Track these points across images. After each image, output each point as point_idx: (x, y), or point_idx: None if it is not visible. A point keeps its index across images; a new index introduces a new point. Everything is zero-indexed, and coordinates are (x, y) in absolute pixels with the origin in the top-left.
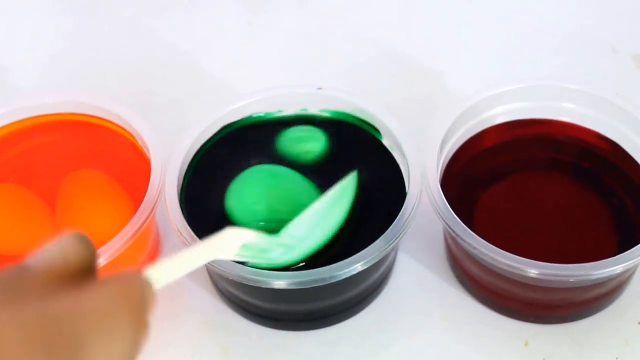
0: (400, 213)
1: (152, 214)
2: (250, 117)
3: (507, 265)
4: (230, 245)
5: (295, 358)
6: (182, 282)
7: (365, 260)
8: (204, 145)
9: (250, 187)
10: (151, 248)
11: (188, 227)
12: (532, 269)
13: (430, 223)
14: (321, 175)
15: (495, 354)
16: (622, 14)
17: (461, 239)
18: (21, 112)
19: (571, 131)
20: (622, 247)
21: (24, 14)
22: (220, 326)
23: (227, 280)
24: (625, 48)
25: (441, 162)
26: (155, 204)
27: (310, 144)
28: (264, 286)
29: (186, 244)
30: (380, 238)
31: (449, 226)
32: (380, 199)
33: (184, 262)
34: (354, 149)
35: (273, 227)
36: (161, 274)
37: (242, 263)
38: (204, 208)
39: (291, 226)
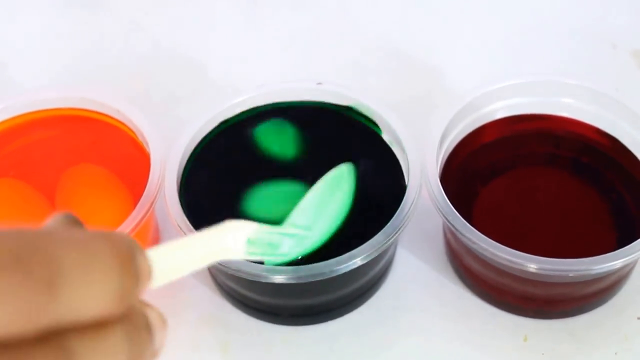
0: (399, 208)
1: (151, 209)
2: (249, 112)
3: (507, 260)
4: (234, 240)
5: (295, 353)
6: (179, 278)
7: (364, 255)
8: (203, 140)
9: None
10: (150, 243)
11: (187, 222)
12: (532, 264)
13: (429, 218)
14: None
15: (494, 349)
16: (621, 11)
17: (460, 233)
18: (21, 107)
19: (571, 126)
20: (622, 242)
21: (24, 10)
22: (220, 321)
23: (226, 274)
24: (624, 44)
25: (441, 157)
26: (154, 199)
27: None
28: (263, 280)
29: None
30: (380, 233)
31: (448, 221)
32: (379, 193)
33: (181, 258)
34: (354, 143)
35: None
36: (158, 255)
37: (260, 262)
38: (204, 203)
39: (293, 215)
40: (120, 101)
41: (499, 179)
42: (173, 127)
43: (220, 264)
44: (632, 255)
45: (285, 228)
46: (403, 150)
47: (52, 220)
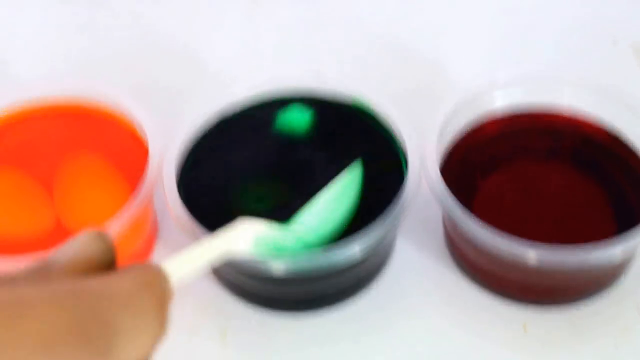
0: (399, 197)
1: (149, 200)
2: (248, 104)
3: (506, 250)
4: (243, 238)
5: (294, 341)
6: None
7: (364, 245)
8: (202, 132)
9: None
10: (148, 234)
11: (186, 214)
12: (532, 253)
13: (429, 209)
14: (321, 161)
15: (493, 339)
16: (622, 6)
17: (460, 223)
18: (20, 99)
19: (571, 120)
20: (621, 233)
21: (24, 2)
22: (219, 310)
23: (225, 263)
24: (625, 39)
25: (440, 148)
26: (152, 189)
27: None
28: (262, 270)
29: (184, 230)
30: (379, 222)
31: (448, 211)
32: (379, 184)
33: (198, 258)
34: (354, 134)
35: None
36: (175, 268)
37: None
38: (202, 195)
39: (303, 215)
40: (119, 93)
41: (499, 171)
42: (172, 119)
43: None
44: (632, 244)
45: (292, 229)
46: (403, 141)
47: (81, 237)
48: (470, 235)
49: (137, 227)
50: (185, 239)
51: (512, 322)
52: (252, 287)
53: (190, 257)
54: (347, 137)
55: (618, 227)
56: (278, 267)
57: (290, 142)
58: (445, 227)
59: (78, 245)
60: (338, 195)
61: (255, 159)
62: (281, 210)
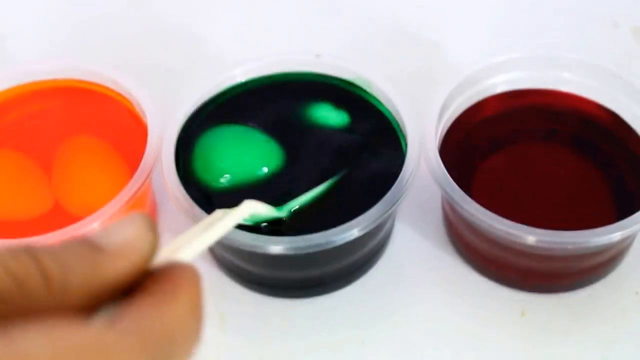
0: (398, 179)
1: (148, 180)
2: (247, 84)
3: (505, 232)
4: (243, 214)
5: (292, 325)
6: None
7: (362, 226)
8: (201, 111)
9: (214, 147)
10: (147, 214)
11: (185, 193)
12: (530, 236)
13: (428, 192)
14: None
15: (491, 323)
16: None
17: (459, 205)
18: (19, 78)
19: (571, 101)
20: (621, 216)
21: None
22: (217, 293)
23: (223, 246)
24: (625, 22)
25: (440, 130)
26: (151, 170)
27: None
28: (260, 252)
29: (182, 211)
30: (378, 204)
31: (447, 193)
32: (378, 166)
33: (209, 240)
34: (353, 116)
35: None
36: (194, 254)
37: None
38: (201, 174)
39: (295, 202)
40: (118, 72)
41: (498, 153)
42: (171, 99)
43: None
44: (631, 228)
45: (281, 212)
46: (402, 122)
47: (133, 222)
48: (468, 218)
49: (136, 207)
50: (184, 220)
51: (511, 307)
52: (251, 271)
53: (204, 241)
54: (346, 119)
55: (617, 210)
56: (276, 247)
57: (289, 123)
58: (444, 210)
59: (130, 233)
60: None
61: (254, 140)
62: (277, 189)
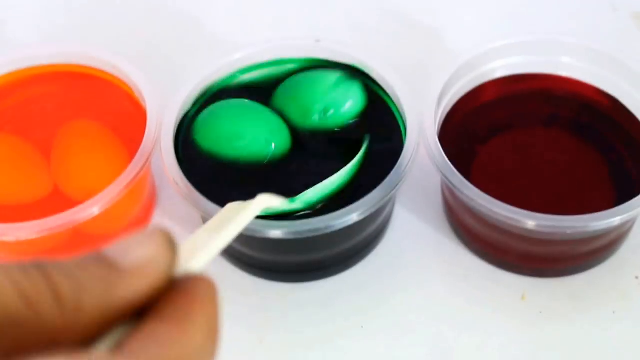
0: (397, 164)
1: (147, 164)
2: (247, 68)
3: (505, 217)
4: (257, 210)
5: (292, 310)
6: (176, 234)
7: (361, 211)
8: (200, 96)
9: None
10: (146, 198)
11: (184, 178)
12: (530, 220)
13: (427, 177)
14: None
15: (491, 307)
16: None
17: (459, 190)
18: (18, 63)
19: (570, 86)
20: (620, 201)
21: None
22: (216, 278)
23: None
24: (625, 6)
25: (439, 115)
26: (150, 154)
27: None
28: (259, 236)
29: (181, 195)
30: (377, 188)
31: (446, 177)
32: (377, 150)
33: (220, 241)
34: (352, 101)
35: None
36: (204, 259)
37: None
38: (200, 159)
39: (309, 194)
40: (117, 57)
41: (498, 138)
42: (170, 83)
43: None
44: (630, 213)
45: (295, 203)
46: (401, 107)
47: (152, 240)
48: (468, 202)
49: (135, 192)
50: (184, 205)
51: (511, 290)
52: (250, 256)
53: (218, 245)
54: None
55: (616, 194)
56: (276, 232)
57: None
58: (443, 195)
59: (147, 251)
60: (343, 175)
61: (254, 124)
62: (278, 173)
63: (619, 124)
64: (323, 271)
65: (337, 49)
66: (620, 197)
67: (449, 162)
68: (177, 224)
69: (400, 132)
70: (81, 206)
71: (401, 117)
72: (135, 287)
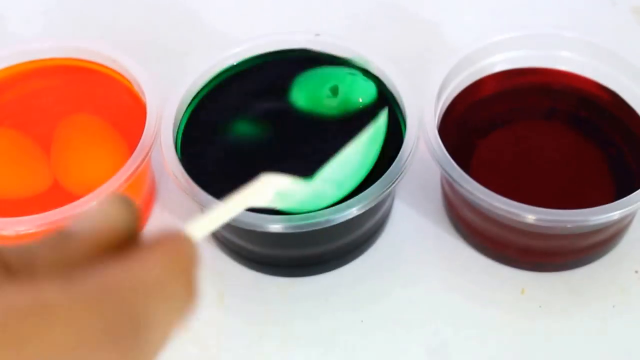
0: (397, 158)
1: (147, 158)
2: (246, 62)
3: (505, 211)
4: (265, 192)
5: (291, 304)
6: (176, 228)
7: (361, 205)
8: (200, 90)
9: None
10: (146, 193)
11: (184, 172)
12: (530, 215)
13: (427, 171)
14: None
15: (491, 301)
16: None
17: (458, 184)
18: (18, 56)
19: (569, 80)
20: (620, 195)
21: None
22: (216, 272)
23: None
24: (624, 1)
25: (439, 109)
26: (150, 148)
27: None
28: (259, 230)
29: (181, 188)
30: (377, 183)
31: (446, 171)
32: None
33: (221, 217)
34: (352, 95)
35: None
36: (200, 230)
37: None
38: (200, 152)
39: (325, 170)
40: (117, 51)
41: (497, 132)
42: (169, 77)
43: None
44: (630, 207)
45: (315, 183)
46: (401, 101)
47: (104, 204)
48: (468, 196)
49: (135, 186)
50: (184, 199)
51: (511, 285)
52: (250, 250)
53: (215, 218)
54: (345, 98)
55: (616, 188)
56: (275, 226)
57: (287, 102)
58: (443, 189)
59: (100, 214)
60: (363, 149)
61: (254, 117)
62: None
63: (619, 118)
64: (323, 265)
65: (336, 43)
66: (620, 192)
67: (448, 156)
68: (176, 217)
69: (400, 126)
70: (81, 200)
71: (401, 111)
72: (87, 248)
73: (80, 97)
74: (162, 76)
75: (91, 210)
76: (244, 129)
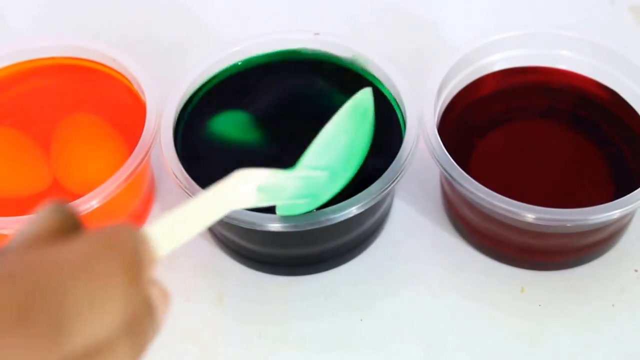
0: (396, 157)
1: (146, 157)
2: (245, 61)
3: (504, 210)
4: (244, 190)
5: (291, 303)
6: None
7: (360, 204)
8: (199, 89)
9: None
10: (146, 192)
11: (183, 170)
12: (530, 214)
13: (427, 170)
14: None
15: (491, 300)
16: None
17: (458, 183)
18: (17, 55)
19: (569, 79)
20: (619, 194)
21: None
22: (215, 271)
23: (221, 223)
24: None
25: (438, 108)
26: (150, 147)
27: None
28: (258, 229)
29: (181, 187)
30: (377, 181)
31: (445, 170)
32: (377, 143)
33: (192, 215)
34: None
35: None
36: (164, 229)
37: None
38: (200, 152)
39: (306, 156)
40: (116, 50)
41: (497, 131)
42: (169, 76)
43: None
44: (630, 206)
45: (297, 171)
46: (400, 100)
47: (42, 214)
48: (467, 195)
49: (135, 185)
50: (183, 198)
51: (510, 283)
52: (249, 249)
53: (183, 216)
54: (346, 98)
55: (616, 187)
56: (275, 225)
57: (287, 100)
58: (442, 188)
59: (34, 222)
60: (343, 124)
61: (253, 115)
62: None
63: (618, 116)
64: (322, 264)
65: (336, 42)
66: (619, 190)
67: (448, 155)
68: None
69: (400, 125)
70: (80, 199)
71: (400, 110)
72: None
73: (80, 96)
74: (162, 75)
75: (26, 221)
76: (243, 128)
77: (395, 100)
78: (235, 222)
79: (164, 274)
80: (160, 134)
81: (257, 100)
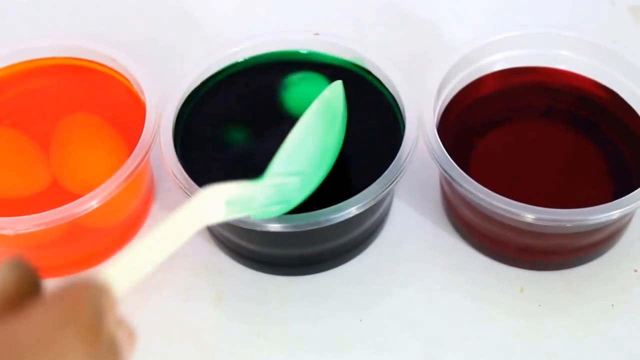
0: (396, 158)
1: (146, 157)
2: (244, 62)
3: (504, 210)
4: (212, 206)
5: (290, 303)
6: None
7: (360, 204)
8: (199, 89)
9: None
10: (145, 192)
11: (182, 170)
12: (529, 214)
13: (426, 170)
14: None
15: (490, 300)
16: None
17: (457, 183)
18: (17, 55)
19: (568, 79)
20: (619, 194)
21: None
22: (214, 271)
23: (221, 223)
24: (622, 0)
25: (438, 108)
26: (149, 147)
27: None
28: (258, 229)
29: (181, 188)
30: (376, 182)
31: (445, 171)
32: (376, 143)
33: (162, 242)
34: (351, 94)
35: None
36: (131, 265)
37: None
38: (199, 152)
39: (275, 163)
40: (116, 50)
41: (496, 131)
42: (168, 77)
43: None
44: (629, 207)
45: (266, 180)
46: (400, 100)
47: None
48: (467, 196)
49: (134, 185)
50: (182, 198)
51: (510, 283)
52: (249, 249)
53: (151, 243)
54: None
55: (615, 187)
56: (274, 225)
57: (287, 101)
58: (442, 188)
59: None
60: (317, 130)
61: (252, 116)
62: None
63: (618, 117)
64: (321, 264)
65: (335, 43)
66: (619, 191)
67: (447, 155)
68: None
69: (399, 125)
70: (80, 199)
71: (400, 110)
72: None
73: (80, 96)
74: (162, 75)
75: None
76: (243, 128)
77: (395, 100)
78: (235, 223)
79: (164, 274)
80: (160, 134)
81: (257, 101)
